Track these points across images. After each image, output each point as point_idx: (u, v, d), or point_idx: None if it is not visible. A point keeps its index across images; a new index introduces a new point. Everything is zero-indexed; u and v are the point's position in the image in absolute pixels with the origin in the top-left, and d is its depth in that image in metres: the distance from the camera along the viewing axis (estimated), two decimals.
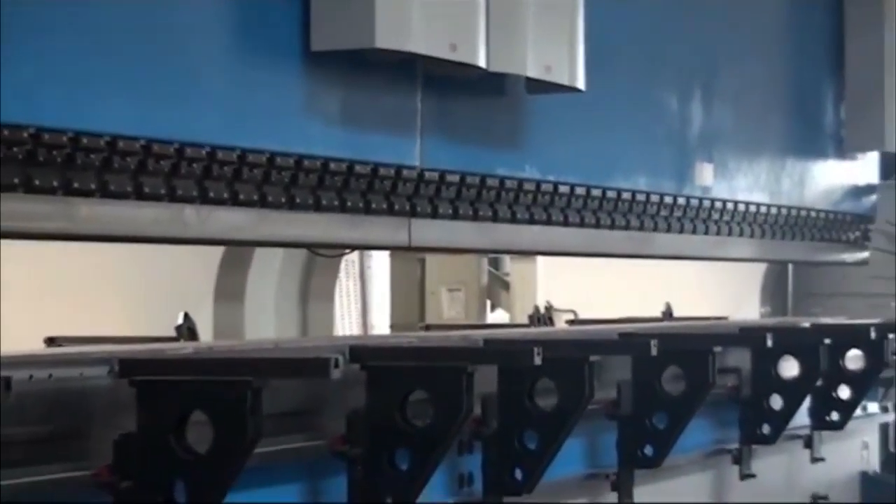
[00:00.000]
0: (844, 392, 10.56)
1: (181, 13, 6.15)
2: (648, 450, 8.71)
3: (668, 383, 8.66)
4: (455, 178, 7.48)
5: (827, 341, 10.16)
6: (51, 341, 7.19)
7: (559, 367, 7.52)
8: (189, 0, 6.19)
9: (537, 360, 7.22)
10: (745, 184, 10.15)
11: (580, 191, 8.40)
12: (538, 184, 8.05)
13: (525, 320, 11.07)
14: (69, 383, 5.72)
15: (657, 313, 11.16)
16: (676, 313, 11.24)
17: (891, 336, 10.83)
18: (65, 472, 5.58)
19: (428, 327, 10.84)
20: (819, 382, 10.17)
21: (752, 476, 10.09)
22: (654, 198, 9.11)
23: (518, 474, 7.65)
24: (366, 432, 6.76)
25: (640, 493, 8.76)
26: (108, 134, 5.75)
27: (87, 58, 5.73)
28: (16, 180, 5.46)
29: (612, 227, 8.77)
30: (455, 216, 7.56)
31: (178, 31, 6.15)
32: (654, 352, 8.33)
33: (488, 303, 12.48)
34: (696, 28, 9.68)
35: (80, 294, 8.31)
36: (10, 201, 5.47)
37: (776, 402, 9.97)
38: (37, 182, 5.52)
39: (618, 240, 8.90)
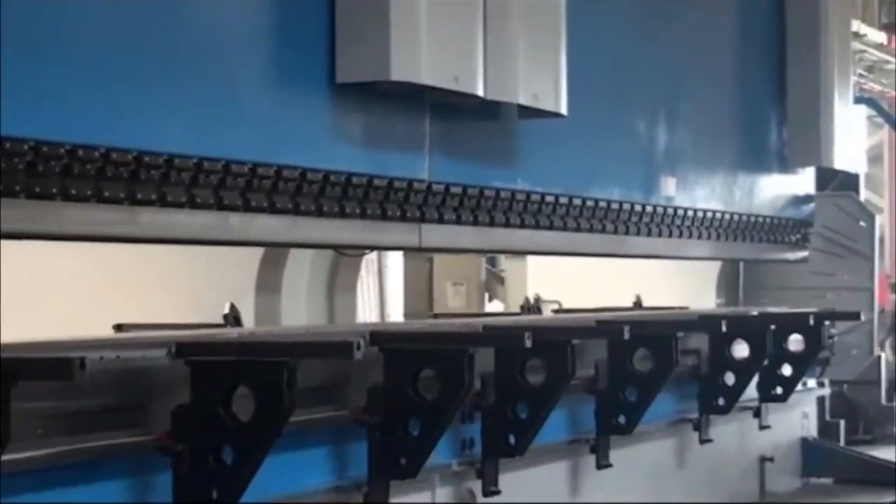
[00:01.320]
0: (787, 370, 10.58)
1: (229, 53, 6.17)
2: (622, 419, 8.73)
3: (638, 363, 8.68)
4: (458, 190, 7.48)
5: (772, 327, 10.21)
6: (118, 328, 7.21)
7: (546, 349, 7.52)
8: (236, 42, 6.21)
9: (528, 343, 7.22)
10: (702, 194, 10.15)
11: (563, 200, 8.40)
12: (528, 194, 8.06)
13: (517, 310, 11.07)
14: (134, 363, 5.75)
15: (629, 304, 11.17)
16: (645, 304, 11.25)
17: (826, 323, 10.88)
18: (130, 437, 5.62)
19: (436, 316, 10.86)
20: (766, 362, 10.20)
21: (710, 441, 10.11)
22: (626, 206, 9.11)
23: (511, 440, 7.66)
24: (383, 404, 6.79)
25: (615, 455, 8.78)
26: (166, 153, 5.77)
27: (153, 92, 5.75)
28: (89, 192, 5.48)
29: (591, 230, 8.76)
30: (458, 222, 7.56)
31: (226, 65, 6.16)
32: (626, 336, 8.35)
33: (486, 295, 12.45)
34: (659, 62, 9.68)
35: (142, 288, 8.32)
36: (85, 210, 5.49)
37: (729, 378, 10.00)
38: (107, 193, 5.55)
39: (595, 241, 8.90)
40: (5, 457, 4.57)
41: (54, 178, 5.32)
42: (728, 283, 13.08)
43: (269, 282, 8.60)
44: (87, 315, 7.64)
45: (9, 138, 5.10)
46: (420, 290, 10.80)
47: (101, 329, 7.09)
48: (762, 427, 10.94)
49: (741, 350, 9.99)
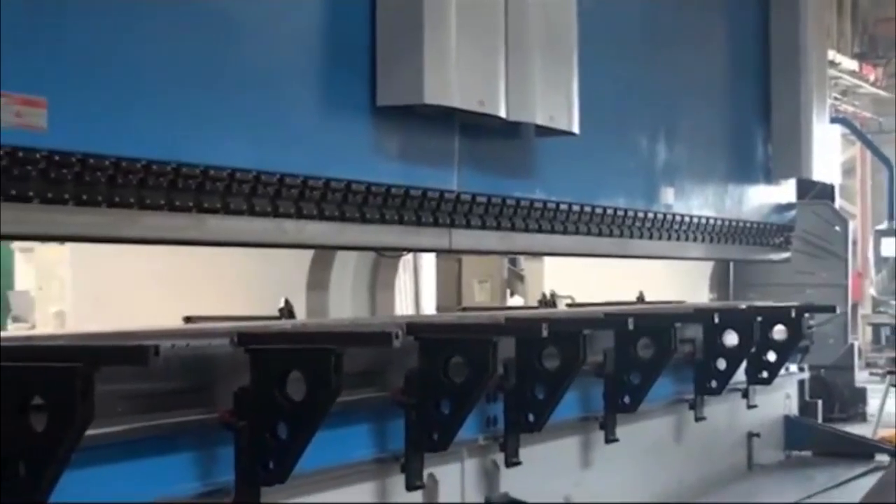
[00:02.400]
0: (772, 356, 10.52)
1: (283, 80, 6.19)
2: (627, 399, 8.70)
3: (641, 350, 8.65)
4: (483, 199, 7.47)
5: (759, 319, 10.15)
6: (188, 319, 7.22)
7: (561, 338, 7.50)
8: (289, 71, 6.22)
9: (544, 333, 7.22)
10: (697, 202, 10.13)
11: (575, 208, 8.39)
12: (544, 203, 8.05)
13: (535, 304, 11.06)
14: (201, 350, 5.75)
15: (633, 298, 11.15)
16: (647, 298, 11.23)
17: (806, 315, 10.85)
18: (198, 415, 5.63)
19: (464, 309, 10.89)
20: (753, 349, 10.15)
21: (704, 419, 10.07)
22: (630, 213, 9.10)
23: (531, 417, 7.64)
24: (418, 387, 6.79)
25: (621, 430, 8.76)
26: (228, 168, 5.79)
27: (217, 115, 5.77)
28: (162, 201, 5.49)
29: (599, 234, 8.75)
30: (483, 227, 7.55)
31: (280, 91, 6.18)
32: (630, 327, 8.32)
33: (508, 291, 12.43)
34: (659, 87, 9.65)
35: (208, 285, 8.34)
36: (158, 217, 5.51)
37: (721, 364, 9.94)
38: (177, 203, 5.57)
39: (603, 244, 8.89)
40: (89, 432, 4.57)
41: (132, 189, 5.35)
42: (720, 281, 13.06)
43: (318, 280, 8.61)
44: (162, 309, 7.65)
45: (92, 155, 5.13)
46: (450, 287, 10.80)
47: (174, 321, 7.11)
48: (750, 406, 10.90)
49: (731, 339, 9.94)
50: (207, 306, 7.45)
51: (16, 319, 11.27)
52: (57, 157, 4.99)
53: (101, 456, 5.00)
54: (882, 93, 29.53)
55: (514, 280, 12.17)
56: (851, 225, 14.79)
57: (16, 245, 11.64)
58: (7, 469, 4.54)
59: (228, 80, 5.85)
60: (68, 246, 9.06)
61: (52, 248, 10.02)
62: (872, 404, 14.29)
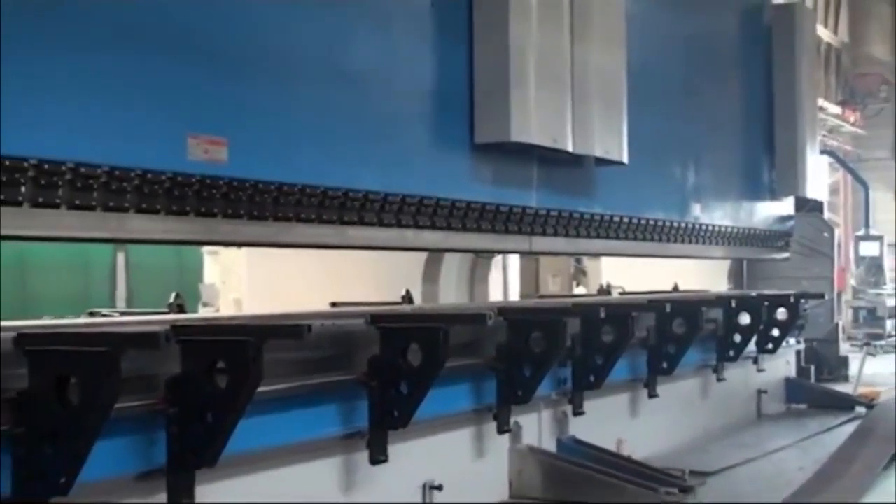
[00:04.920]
0: (776, 332, 10.42)
1: (404, 123, 6.18)
2: (664, 365, 8.64)
3: (676, 328, 8.58)
4: (555, 213, 7.43)
5: (766, 303, 10.08)
6: (333, 304, 7.23)
7: (614, 318, 7.46)
8: (409, 116, 6.21)
9: (602, 315, 7.19)
10: (718, 215, 10.02)
11: (625, 219, 8.34)
12: (602, 216, 8.00)
13: (595, 293, 10.99)
14: (343, 328, 5.76)
15: (669, 288, 11.04)
16: (680, 288, 11.12)
17: (802, 301, 10.74)
18: (340, 376, 5.63)
19: (541, 297, 10.86)
20: (761, 327, 10.07)
21: (723, 380, 9.96)
22: (667, 223, 9.03)
23: (592, 378, 7.61)
24: (506, 355, 6.76)
25: (660, 388, 8.69)
26: (363, 190, 5.79)
27: (355, 149, 5.78)
28: (313, 216, 5.50)
29: (644, 240, 8.68)
30: (555, 234, 7.51)
31: (402, 131, 6.18)
32: (667, 310, 8.32)
33: (574, 283, 12.33)
34: (688, 127, 9.57)
35: (348, 278, 8.36)
36: (311, 227, 5.52)
37: (737, 338, 9.85)
38: (324, 217, 5.58)
39: (647, 247, 8.81)
40: (260, 389, 4.59)
41: (290, 207, 5.37)
42: (735, 274, 12.94)
43: (430, 275, 8.62)
44: (314, 296, 7.68)
45: (261, 181, 5.16)
46: (530, 280, 10.73)
47: (323, 305, 7.12)
48: (759, 370, 10.81)
49: (744, 319, 9.85)
50: (348, 295, 7.45)
51: (205, 305, 11.39)
52: (235, 183, 5.02)
53: (267, 407, 5.02)
54: (860, 131, 29.21)
55: (579, 274, 12.06)
56: (836, 232, 14.62)
57: (205, 249, 11.78)
58: (198, 416, 4.58)
59: (362, 124, 5.85)
60: (244, 249, 9.12)
61: (232, 251, 10.09)
62: (853, 368, 14.05)
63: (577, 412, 7.66)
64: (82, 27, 4.36)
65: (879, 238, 22.69)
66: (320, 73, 5.56)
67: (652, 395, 8.67)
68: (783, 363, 11.76)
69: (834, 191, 26.22)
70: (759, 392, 11.09)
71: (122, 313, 7.05)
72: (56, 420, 4.03)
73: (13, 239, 4.34)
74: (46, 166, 4.22)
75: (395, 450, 5.79)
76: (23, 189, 4.15)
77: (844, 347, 15.44)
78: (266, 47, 5.23)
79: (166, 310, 6.55)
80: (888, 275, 22.75)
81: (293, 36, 5.38)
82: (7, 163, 4.07)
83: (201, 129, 4.84)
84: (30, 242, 9.78)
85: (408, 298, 7.72)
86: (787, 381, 11.84)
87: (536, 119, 6.65)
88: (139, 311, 7.48)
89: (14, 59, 4.07)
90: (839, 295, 16.31)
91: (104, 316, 6.46)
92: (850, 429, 10.03)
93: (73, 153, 4.32)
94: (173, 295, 6.69)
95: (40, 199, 4.22)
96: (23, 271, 14.83)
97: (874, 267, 22.31)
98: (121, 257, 15.19)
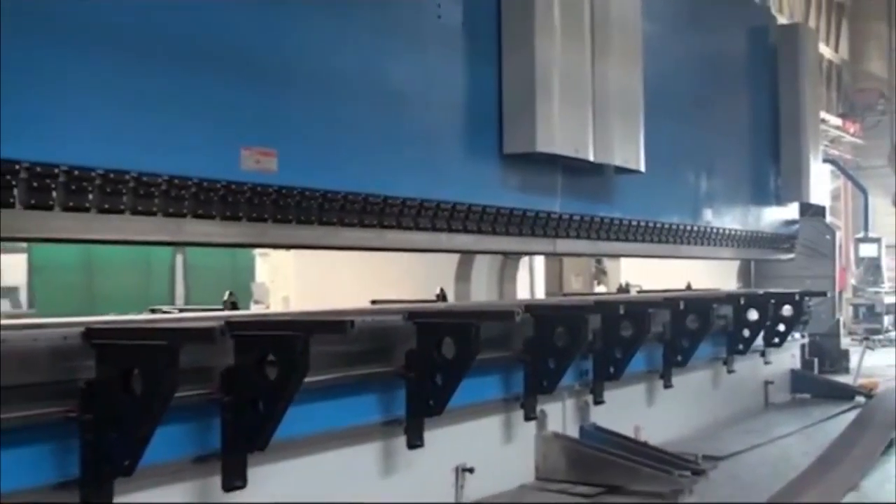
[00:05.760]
0: (782, 327, 10.40)
1: (438, 136, 6.17)
2: (679, 358, 8.62)
3: (689, 323, 8.56)
4: (578, 218, 7.41)
5: (772, 301, 10.06)
6: (374, 302, 7.23)
7: (633, 314, 7.44)
8: (443, 130, 6.20)
9: (621, 311, 7.17)
10: (728, 219, 9.98)
11: (643, 223, 8.30)
12: (621, 220, 7.97)
13: (615, 291, 10.94)
14: (381, 324, 5.75)
15: (683, 286, 11.00)
16: (693, 286, 11.07)
17: (805, 298, 10.69)
18: (380, 367, 5.64)
19: (565, 295, 10.81)
20: (768, 322, 10.05)
21: (733, 371, 9.92)
22: (681, 226, 9.00)
23: (612, 370, 7.59)
24: (533, 349, 6.75)
25: (675, 380, 8.66)
26: (401, 197, 5.79)
27: (395, 160, 5.79)
28: (355, 221, 5.50)
29: (659, 242, 8.65)
30: (578, 237, 7.48)
31: (437, 144, 6.17)
32: (681, 307, 8.28)
33: (595, 282, 12.28)
34: (701, 138, 9.54)
35: (387, 278, 8.34)
36: (353, 231, 5.52)
37: (745, 332, 9.83)
38: (366, 221, 5.58)
39: (662, 248, 8.78)
40: (307, 379, 4.59)
41: (335, 213, 5.37)
42: (744, 274, 12.84)
43: (463, 275, 8.57)
44: (356, 295, 7.68)
45: (307, 189, 5.17)
46: (554, 279, 10.69)
47: (364, 303, 7.12)
48: (766, 363, 10.76)
49: (752, 315, 9.85)
50: (387, 293, 7.43)
51: (256, 302, 11.42)
52: (283, 191, 5.03)
53: (313, 396, 5.03)
54: (859, 141, 29.04)
55: (600, 274, 11.99)
56: (838, 234, 14.50)
57: (256, 251, 11.81)
58: (250, 404, 4.58)
59: (401, 137, 5.85)
60: (292, 251, 9.13)
61: (281, 252, 10.10)
62: (853, 361, 13.95)
63: (598, 401, 7.63)
64: (147, 52, 4.39)
65: (877, 240, 22.61)
66: (361, 90, 5.56)
67: (667, 385, 8.63)
68: (788, 356, 11.70)
69: (835, 196, 26.03)
70: (766, 383, 11.03)
71: (181, 310, 7.06)
72: (121, 408, 4.05)
73: (82, 242, 4.37)
74: (112, 175, 4.24)
75: (431, 435, 5.79)
76: (90, 196, 4.17)
77: (845, 342, 15.36)
78: (312, 68, 5.23)
79: (221, 307, 6.56)
80: (886, 274, 22.69)
81: (337, 57, 5.39)
82: (76, 173, 4.10)
83: (253, 141, 4.85)
84: (97, 245, 9.82)
85: (442, 296, 7.70)
86: (792, 372, 11.77)
87: (560, 131, 6.63)
88: (196, 308, 7.49)
89: (94, 85, 4.16)
90: (840, 293, 16.20)
91: (164, 313, 6.48)
92: (850, 417, 9.97)
93: (136, 164, 4.35)
94: (227, 293, 6.70)
95: (106, 206, 4.24)
96: (90, 272, 14.91)
97: (873, 267, 22.22)
98: (179, 258, 15.24)
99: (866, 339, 17.14)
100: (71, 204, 4.11)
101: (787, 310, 10.37)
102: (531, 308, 6.74)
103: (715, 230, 9.67)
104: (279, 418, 4.56)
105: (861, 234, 22.93)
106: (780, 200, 11.29)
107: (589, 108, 6.99)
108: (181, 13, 4.54)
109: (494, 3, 6.54)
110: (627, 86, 7.46)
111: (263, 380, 4.55)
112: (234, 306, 6.54)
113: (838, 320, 14.71)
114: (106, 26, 4.22)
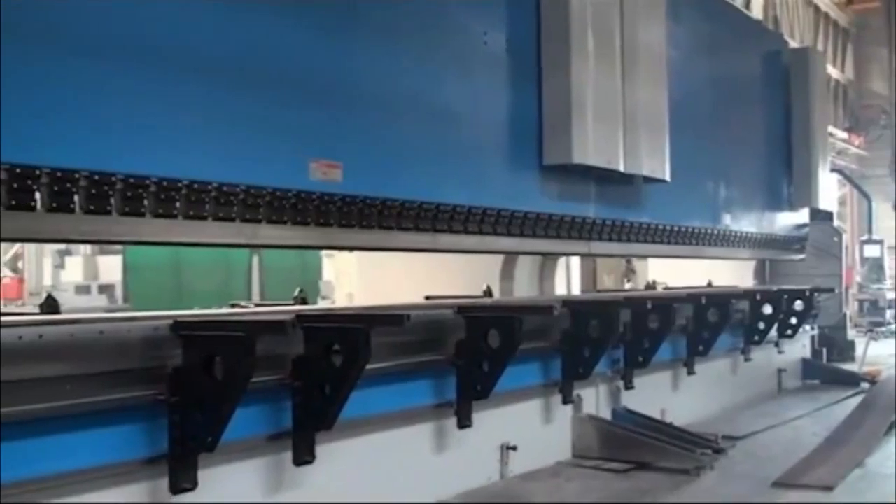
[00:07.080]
0: (794, 320, 10.30)
1: (484, 148, 6.15)
2: (701, 348, 8.54)
3: (710, 316, 8.46)
4: (609, 222, 7.36)
5: (785, 296, 9.93)
6: (428, 297, 7.21)
7: (659, 308, 7.38)
8: (488, 142, 6.18)
9: (649, 306, 7.11)
10: (745, 223, 9.87)
11: (668, 227, 8.24)
12: (648, 224, 7.91)
13: (643, 288, 10.86)
14: (433, 317, 5.72)
15: (705, 284, 10.89)
16: (714, 284, 10.96)
17: (815, 294, 10.56)
18: (433, 356, 5.62)
19: (598, 291, 10.74)
20: (781, 316, 9.93)
21: (750, 360, 9.81)
22: (703, 230, 8.92)
23: (640, 359, 7.52)
24: (570, 339, 6.71)
25: (697, 367, 8.58)
26: (452, 204, 5.77)
27: (445, 170, 5.76)
28: (411, 225, 5.49)
29: (683, 244, 8.59)
30: (609, 240, 7.44)
31: (483, 156, 6.14)
32: (703, 302, 8.19)
33: (625, 279, 12.20)
34: (721, 151, 9.46)
35: (440, 276, 8.32)
36: (409, 235, 5.50)
37: (761, 325, 9.73)
38: (420, 226, 5.56)
39: (686, 250, 8.71)
40: (368, 367, 4.59)
41: (392, 218, 5.36)
42: (760, 272, 12.72)
43: (507, 273, 8.55)
44: (411, 291, 7.67)
45: (369, 197, 5.16)
46: (588, 277, 10.61)
47: (418, 298, 7.11)
48: (779, 352, 10.64)
49: (767, 309, 9.73)
50: (439, 289, 7.41)
51: (323, 298, 11.48)
52: (347, 199, 5.03)
53: (375, 381, 5.03)
54: (863, 152, 28.74)
55: (629, 272, 11.89)
56: (844, 237, 14.29)
57: (323, 252, 11.86)
58: (318, 389, 4.59)
59: (451, 151, 5.83)
60: (355, 252, 9.14)
61: (345, 254, 10.12)
62: (858, 350, 13.76)
63: (628, 387, 7.57)
64: (229, 79, 4.41)
65: (880, 242, 22.46)
66: (416, 109, 5.55)
67: (690, 372, 8.55)
68: (800, 346, 11.57)
69: (842, 203, 25.75)
70: (780, 370, 10.91)
71: (257, 305, 7.09)
72: (204, 391, 4.07)
73: (170, 244, 4.41)
74: (196, 186, 4.26)
75: (478, 417, 5.78)
76: (177, 205, 4.20)
77: (851, 333, 15.14)
78: (373, 90, 5.22)
79: (292, 302, 6.58)
80: (888, 272, 22.50)
81: (395, 80, 5.38)
82: (165, 183, 4.12)
83: (320, 155, 4.86)
84: (183, 248, 9.87)
85: (488, 293, 7.68)
86: (803, 361, 11.65)
87: (593, 144, 6.59)
88: (270, 303, 7.51)
89: (183, 105, 4.20)
90: (847, 289, 15.99)
91: (242, 307, 6.51)
92: (856, 401, 9.84)
93: (217, 175, 4.37)
94: (297, 290, 6.72)
95: (191, 213, 4.26)
96: (178, 271, 15.08)
97: (876, 266, 22.01)
98: (255, 259, 15.37)
99: (870, 330, 16.99)
100: (160, 211, 4.13)
101: (798, 304, 10.26)
102: (568, 303, 6.71)
103: (733, 233, 9.57)
104: (343, 401, 4.56)
105: (865, 237, 22.74)
106: (792, 206, 11.17)
107: (619, 124, 6.94)
108: (261, 46, 4.57)
109: (534, 31, 6.51)
110: (654, 104, 7.40)
111: (330, 367, 4.55)
112: (303, 301, 6.55)
113: (845, 314, 14.52)
114: (199, 59, 4.27)
